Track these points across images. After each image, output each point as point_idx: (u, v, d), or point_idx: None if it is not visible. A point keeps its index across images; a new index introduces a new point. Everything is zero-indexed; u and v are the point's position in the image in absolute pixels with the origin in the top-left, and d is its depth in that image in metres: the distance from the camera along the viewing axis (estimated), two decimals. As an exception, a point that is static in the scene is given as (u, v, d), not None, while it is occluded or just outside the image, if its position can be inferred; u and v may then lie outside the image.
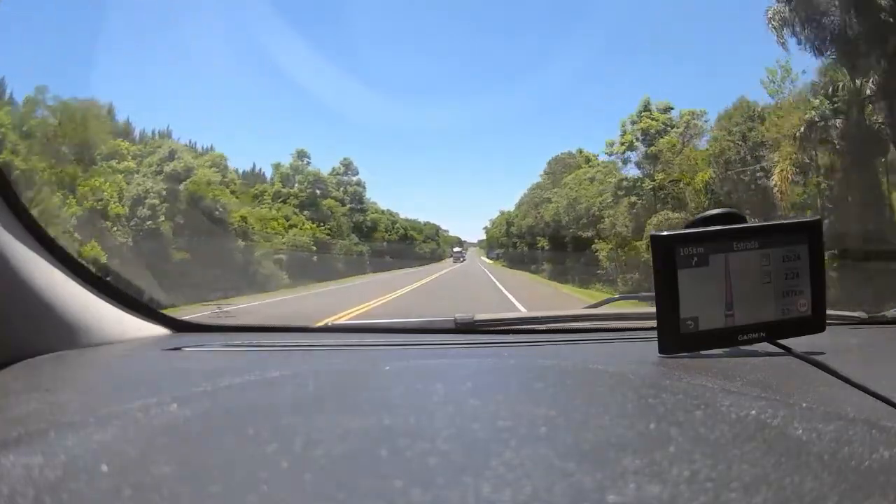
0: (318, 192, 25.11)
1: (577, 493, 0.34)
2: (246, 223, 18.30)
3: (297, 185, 24.47)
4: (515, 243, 29.54)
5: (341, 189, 26.67)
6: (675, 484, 0.35)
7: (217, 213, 17.07)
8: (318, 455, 0.39)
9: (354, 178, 27.74)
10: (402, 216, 31.95)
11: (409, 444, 0.40)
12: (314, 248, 21.61)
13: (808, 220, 0.97)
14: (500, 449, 0.39)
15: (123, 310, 1.21)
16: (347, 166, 27.48)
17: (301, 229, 21.78)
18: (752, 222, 1.01)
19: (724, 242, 0.92)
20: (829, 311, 0.98)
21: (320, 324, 1.54)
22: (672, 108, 18.36)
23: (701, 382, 0.71)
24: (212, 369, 0.96)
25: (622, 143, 19.02)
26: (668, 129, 17.94)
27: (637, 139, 18.60)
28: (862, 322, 1.38)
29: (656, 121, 18.19)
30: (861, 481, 0.38)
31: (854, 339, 1.25)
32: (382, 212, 29.58)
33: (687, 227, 0.95)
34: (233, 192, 19.47)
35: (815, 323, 0.96)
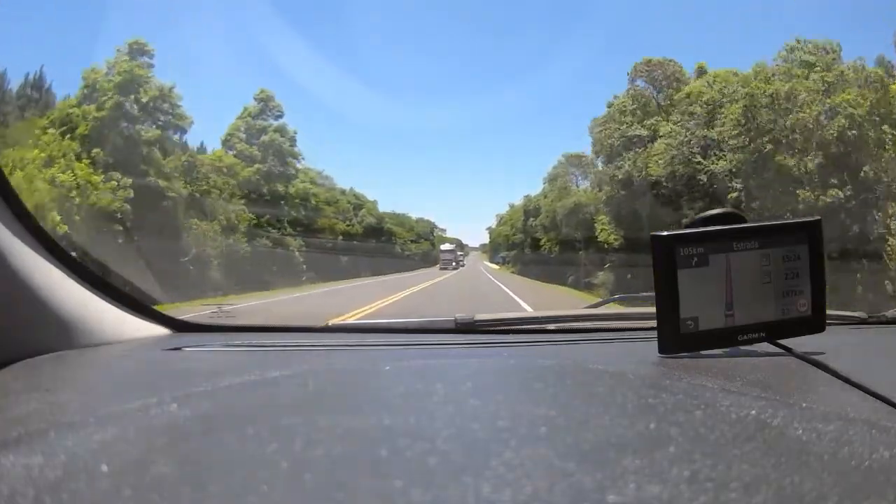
0: (147, 122, 12.49)
1: (577, 493, 0.34)
2: None
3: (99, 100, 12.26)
4: (539, 241, 19.68)
5: (252, 142, 15.86)
6: (675, 484, 0.35)
7: None
8: (318, 455, 0.39)
9: (274, 123, 16.36)
10: (389, 208, 23.53)
11: (409, 444, 0.40)
12: (64, 226, 9.68)
13: (807, 220, 0.97)
14: (500, 449, 0.39)
15: (123, 310, 1.21)
16: (266, 102, 16.45)
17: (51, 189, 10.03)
18: (752, 223, 1.00)
19: (724, 242, 0.92)
20: (829, 311, 0.98)
21: (321, 324, 1.54)
22: None
23: (701, 382, 0.71)
24: (212, 369, 0.96)
25: None
26: None
27: None
28: (862, 322, 1.38)
29: None
30: (861, 481, 0.38)
31: (854, 339, 1.25)
32: (343, 192, 19.55)
33: (687, 227, 0.95)
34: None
35: (815, 323, 0.96)
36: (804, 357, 0.95)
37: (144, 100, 12.78)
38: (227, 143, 16.02)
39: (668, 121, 12.03)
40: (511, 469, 0.36)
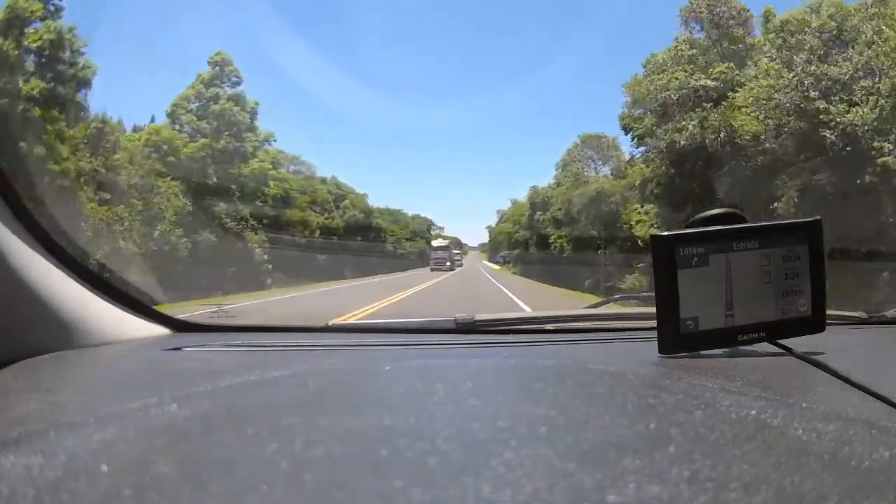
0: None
1: (577, 493, 0.34)
2: None
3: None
4: (547, 238, 16.86)
5: (204, 115, 12.60)
6: (675, 484, 0.35)
7: None
8: (318, 455, 0.39)
9: (228, 91, 13.17)
10: (384, 204, 21.25)
11: (409, 444, 0.40)
12: None
13: (808, 220, 0.97)
14: (500, 449, 0.39)
15: (123, 310, 1.21)
16: (222, 67, 13.13)
17: None
18: (752, 223, 1.01)
19: (724, 242, 0.92)
20: (829, 311, 0.98)
21: (321, 324, 1.54)
22: None
23: (701, 382, 0.71)
24: (212, 369, 0.96)
25: None
26: None
27: None
28: (862, 322, 1.38)
29: None
30: (861, 481, 0.38)
31: (854, 339, 1.25)
32: (323, 181, 16.41)
33: (687, 227, 0.95)
34: None
35: (815, 323, 0.96)
36: (804, 357, 0.95)
37: (34, 45, 9.57)
38: (172, 115, 12.85)
39: (754, 63, 8.16)
40: (511, 469, 0.36)
